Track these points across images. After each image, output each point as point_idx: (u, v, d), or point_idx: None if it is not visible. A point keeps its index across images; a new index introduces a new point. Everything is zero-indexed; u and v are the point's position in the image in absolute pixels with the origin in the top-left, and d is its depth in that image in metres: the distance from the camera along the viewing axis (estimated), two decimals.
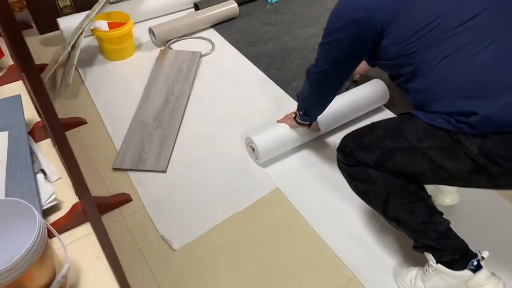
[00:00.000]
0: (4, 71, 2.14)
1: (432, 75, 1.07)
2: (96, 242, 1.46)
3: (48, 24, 2.32)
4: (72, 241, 1.45)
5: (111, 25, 2.13)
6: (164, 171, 1.65)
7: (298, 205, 1.52)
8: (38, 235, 1.15)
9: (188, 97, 1.97)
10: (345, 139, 1.28)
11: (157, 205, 1.54)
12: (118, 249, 1.42)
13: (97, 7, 2.14)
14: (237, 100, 1.95)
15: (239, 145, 1.75)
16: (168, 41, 2.30)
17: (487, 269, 1.15)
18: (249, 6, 2.59)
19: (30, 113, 1.86)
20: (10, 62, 2.20)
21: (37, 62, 2.20)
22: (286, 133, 1.65)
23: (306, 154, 1.70)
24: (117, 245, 1.45)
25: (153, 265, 1.38)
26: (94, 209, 1.01)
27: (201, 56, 2.20)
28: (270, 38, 2.32)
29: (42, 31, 2.38)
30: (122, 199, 1.55)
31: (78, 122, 1.84)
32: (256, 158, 1.67)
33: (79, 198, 0.96)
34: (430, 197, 1.23)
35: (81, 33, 2.04)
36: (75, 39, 2.03)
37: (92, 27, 2.10)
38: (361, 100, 1.80)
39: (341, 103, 1.75)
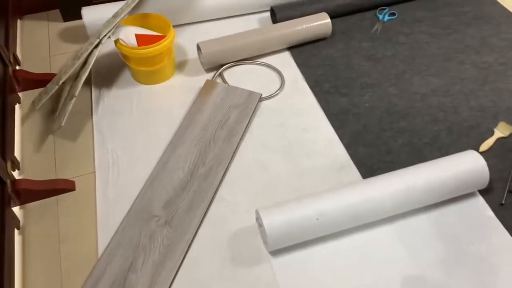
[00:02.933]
0: None
1: None
2: None
3: (74, 10, 1.72)
4: None
5: (142, 38, 1.48)
6: None
7: None
8: None
9: (225, 172, 1.32)
10: None
11: None
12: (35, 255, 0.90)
13: (130, 4, 1.49)
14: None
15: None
16: (222, 65, 1.62)
17: None
18: (347, 22, 1.79)
19: None
20: None
21: (46, 67, 1.64)
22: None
23: None
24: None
25: None
26: None
27: (261, 99, 1.51)
28: (369, 85, 1.55)
29: (66, 17, 1.80)
30: None
31: (62, 190, 1.28)
32: (265, 242, 1.10)
33: None
34: None
35: (97, 45, 1.42)
36: (88, 52, 1.42)
37: (114, 37, 1.46)
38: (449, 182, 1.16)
39: (418, 182, 1.14)
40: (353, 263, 1.13)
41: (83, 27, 1.65)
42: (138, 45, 1.46)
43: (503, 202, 1.23)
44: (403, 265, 1.13)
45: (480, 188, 1.23)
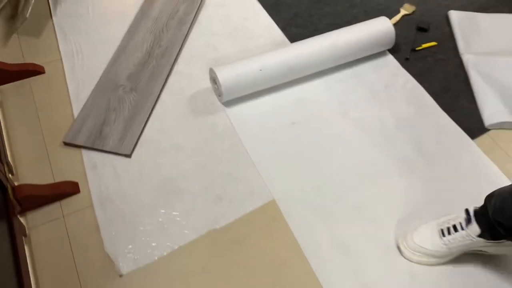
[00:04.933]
0: None
1: None
2: None
3: None
4: None
5: None
6: (129, 156, 1.25)
7: (297, 231, 1.12)
8: None
9: (178, 53, 1.51)
10: None
11: (110, 203, 1.16)
12: (45, 262, 1.07)
13: None
14: None
15: (229, 129, 1.32)
16: None
17: None
18: None
19: None
20: None
21: None
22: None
23: (316, 138, 1.27)
24: (46, 256, 1.09)
25: None
26: None
27: None
28: None
29: None
30: (66, 191, 1.16)
31: (32, 71, 1.42)
32: (219, 95, 1.36)
33: None
34: None
35: None
36: None
37: None
38: (364, 40, 1.45)
39: (340, 39, 1.43)
40: (292, 111, 1.38)
41: None
42: None
43: (408, 57, 1.53)
44: (331, 107, 1.39)
45: (389, 46, 1.51)
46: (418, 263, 1.06)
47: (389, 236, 1.12)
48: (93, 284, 1.03)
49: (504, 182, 1.22)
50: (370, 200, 1.18)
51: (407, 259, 1.07)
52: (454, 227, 1.01)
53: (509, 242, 0.98)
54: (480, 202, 1.01)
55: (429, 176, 1.23)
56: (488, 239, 0.97)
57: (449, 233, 1.02)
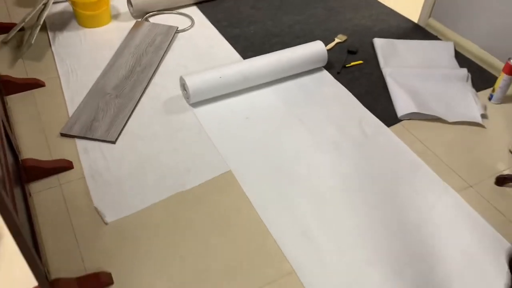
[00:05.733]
0: None
1: None
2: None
3: None
4: None
5: None
6: (113, 142, 1.55)
7: (249, 191, 1.42)
8: None
9: (155, 70, 1.87)
10: None
11: (98, 175, 1.44)
12: (46, 218, 1.33)
13: None
14: None
15: (196, 123, 1.65)
16: (147, 13, 2.20)
17: None
18: None
19: None
20: None
21: (6, 21, 2.11)
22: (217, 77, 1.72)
23: (266, 128, 1.60)
24: (47, 213, 1.36)
25: (81, 237, 1.28)
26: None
27: (178, 31, 2.10)
28: (254, 22, 2.22)
29: None
30: (62, 166, 1.45)
31: (35, 84, 1.74)
32: (187, 98, 1.70)
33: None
34: None
35: None
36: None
37: None
38: (303, 57, 1.85)
39: (283, 56, 1.82)
40: (247, 110, 1.72)
41: None
42: None
43: (339, 71, 1.92)
44: (278, 106, 1.74)
45: (323, 64, 1.90)
46: None
47: (320, 189, 1.42)
48: (84, 232, 1.29)
49: (409, 155, 1.55)
50: (305, 167, 1.50)
51: None
52: None
53: None
54: (392, 170, 1.34)
55: (352, 153, 1.57)
56: None
57: None
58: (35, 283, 1.03)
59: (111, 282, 1.18)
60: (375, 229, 1.32)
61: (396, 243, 1.29)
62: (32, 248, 0.98)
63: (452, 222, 1.35)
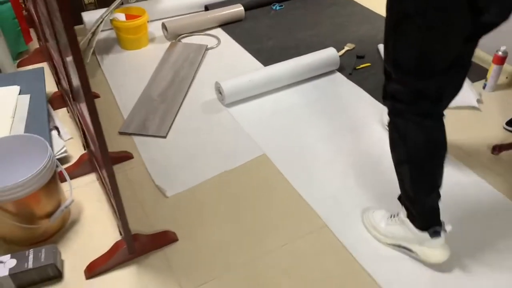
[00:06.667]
0: (30, 53, 2.41)
1: None
2: (98, 188, 1.64)
3: (73, 18, 2.58)
4: (78, 187, 1.64)
5: (128, 17, 2.38)
6: (164, 137, 1.84)
7: (281, 167, 1.68)
8: (47, 162, 1.35)
9: (192, 80, 2.18)
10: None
11: (155, 162, 1.72)
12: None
13: (116, 1, 2.40)
14: None
15: (231, 119, 1.93)
16: (179, 35, 2.54)
17: (444, 239, 1.27)
18: (255, 12, 2.83)
19: (51, 86, 2.10)
20: (36, 45, 2.47)
21: None
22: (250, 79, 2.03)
23: (292, 120, 1.88)
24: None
25: (148, 209, 1.55)
26: (106, 154, 1.16)
27: (207, 49, 2.43)
28: (272, 38, 2.55)
29: None
30: (125, 156, 1.73)
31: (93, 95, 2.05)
32: (222, 100, 2.00)
33: (98, 144, 1.13)
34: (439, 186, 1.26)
35: (101, 21, 2.29)
36: (96, 26, 2.28)
37: (111, 18, 2.35)
38: (318, 61, 2.16)
39: (301, 61, 2.14)
40: (272, 105, 2.01)
41: (81, 29, 2.51)
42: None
43: (351, 73, 2.21)
44: (300, 102, 2.03)
45: (336, 67, 2.20)
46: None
47: (339, 162, 1.68)
48: (150, 205, 1.56)
49: None
50: (326, 147, 1.76)
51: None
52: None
53: (430, 242, 1.26)
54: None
55: (366, 134, 1.83)
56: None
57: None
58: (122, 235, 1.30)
59: (176, 239, 1.44)
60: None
61: None
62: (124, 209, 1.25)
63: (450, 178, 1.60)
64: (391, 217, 1.39)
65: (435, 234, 1.26)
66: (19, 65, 2.29)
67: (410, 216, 1.30)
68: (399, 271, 1.33)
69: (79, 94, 1.28)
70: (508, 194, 1.56)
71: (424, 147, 1.19)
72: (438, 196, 1.25)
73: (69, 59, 1.16)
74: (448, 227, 1.28)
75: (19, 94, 1.88)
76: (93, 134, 1.20)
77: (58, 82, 1.98)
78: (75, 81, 1.19)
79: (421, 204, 1.26)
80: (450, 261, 1.30)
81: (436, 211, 1.27)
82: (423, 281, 1.31)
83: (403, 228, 1.33)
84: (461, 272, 1.32)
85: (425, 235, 1.27)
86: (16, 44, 2.32)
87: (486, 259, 1.36)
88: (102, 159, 1.17)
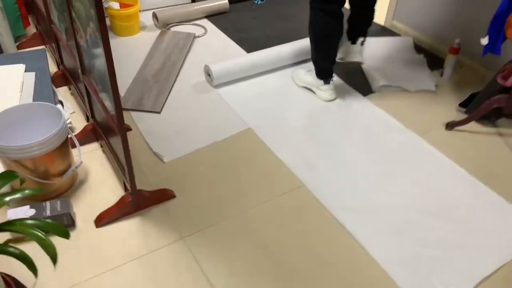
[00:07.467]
0: (29, 37, 2.57)
1: None
2: (101, 154, 1.83)
3: None
4: (83, 153, 1.82)
5: (122, 6, 2.56)
6: (159, 112, 2.04)
7: (265, 139, 1.91)
8: (62, 125, 1.54)
9: (182, 64, 2.38)
10: None
11: (152, 133, 1.92)
12: None
13: None
14: None
15: (219, 98, 2.15)
16: (168, 24, 2.74)
17: (333, 86, 2.14)
18: (238, 5, 3.06)
19: (51, 67, 2.26)
20: (33, 30, 2.63)
21: None
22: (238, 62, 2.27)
23: (274, 100, 2.11)
24: None
25: (148, 171, 1.75)
26: (122, 121, 1.36)
27: (195, 37, 2.63)
28: (254, 28, 2.78)
29: None
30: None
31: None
32: (211, 81, 2.22)
33: (116, 111, 1.33)
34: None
35: None
36: None
37: (106, 6, 2.53)
38: (297, 49, 2.43)
39: (284, 48, 2.41)
40: (257, 87, 2.24)
41: None
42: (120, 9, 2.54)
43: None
44: (283, 87, 2.26)
45: None
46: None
47: (316, 134, 1.93)
48: (150, 167, 1.76)
49: (378, 112, 2.08)
50: (306, 120, 2.00)
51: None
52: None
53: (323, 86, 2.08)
54: (365, 124, 1.85)
55: (338, 112, 2.08)
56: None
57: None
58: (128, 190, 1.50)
59: (175, 196, 1.65)
60: (356, 161, 1.83)
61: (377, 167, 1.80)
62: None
63: (408, 150, 1.87)
64: (308, 71, 2.20)
65: (326, 81, 2.11)
66: (18, 48, 2.44)
67: (315, 70, 2.13)
68: (366, 221, 1.58)
69: (96, 65, 1.47)
70: (458, 161, 1.83)
71: (324, 31, 1.99)
72: (333, 62, 2.09)
73: (91, 35, 1.35)
74: (334, 79, 2.15)
75: (24, 72, 2.04)
76: (106, 104, 1.39)
77: (61, 63, 2.15)
78: (97, 52, 1.38)
79: (320, 65, 2.10)
80: (407, 209, 1.57)
81: (329, 69, 2.10)
82: (382, 228, 1.56)
83: (311, 77, 2.16)
84: (418, 223, 1.59)
85: (321, 82, 2.12)
86: (15, 28, 2.47)
87: (433, 212, 1.63)
88: (117, 119, 1.37)
